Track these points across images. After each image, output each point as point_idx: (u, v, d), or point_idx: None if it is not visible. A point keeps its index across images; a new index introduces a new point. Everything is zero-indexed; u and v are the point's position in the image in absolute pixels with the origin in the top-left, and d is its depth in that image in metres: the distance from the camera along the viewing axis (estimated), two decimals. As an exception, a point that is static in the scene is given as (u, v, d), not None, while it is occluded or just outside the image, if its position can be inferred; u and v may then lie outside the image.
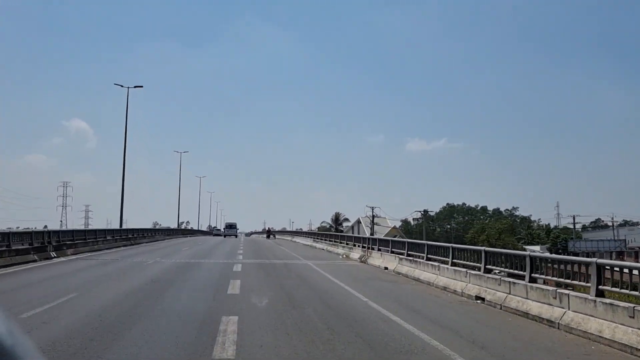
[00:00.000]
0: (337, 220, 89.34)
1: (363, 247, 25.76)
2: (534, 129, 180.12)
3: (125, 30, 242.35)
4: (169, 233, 58.17)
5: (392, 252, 20.73)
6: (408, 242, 19.41)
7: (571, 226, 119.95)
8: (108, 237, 31.26)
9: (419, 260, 17.19)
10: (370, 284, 15.61)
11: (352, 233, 75.05)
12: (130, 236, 37.45)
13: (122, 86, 42.96)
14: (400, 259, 19.21)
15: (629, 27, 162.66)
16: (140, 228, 47.10)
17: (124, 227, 41.86)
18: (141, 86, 44.21)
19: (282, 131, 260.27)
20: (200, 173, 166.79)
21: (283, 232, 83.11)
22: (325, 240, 37.62)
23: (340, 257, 28.19)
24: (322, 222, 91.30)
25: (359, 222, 73.13)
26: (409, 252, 18.64)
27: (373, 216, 60.71)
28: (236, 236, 69.61)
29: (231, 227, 75.26)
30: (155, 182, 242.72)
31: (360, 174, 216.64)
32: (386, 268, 20.22)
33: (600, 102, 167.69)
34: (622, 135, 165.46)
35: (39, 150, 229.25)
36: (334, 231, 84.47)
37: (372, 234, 58.13)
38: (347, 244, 30.23)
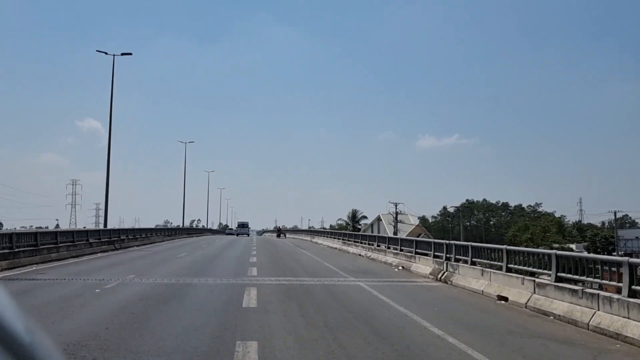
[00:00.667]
0: (354, 217, 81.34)
1: (436, 257, 17.74)
2: (546, 125, 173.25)
3: (137, 28, 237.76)
4: (171, 233, 50.32)
5: (510, 270, 12.73)
6: (556, 255, 11.14)
7: (596, 223, 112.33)
8: (80, 241, 23.38)
9: (584, 290, 9.28)
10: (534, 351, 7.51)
11: (372, 232, 67.06)
12: (115, 238, 29.62)
13: (106, 53, 36.40)
14: (538, 284, 11.21)
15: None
16: (131, 228, 39.44)
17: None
18: (130, 53, 37.58)
19: (292, 128, 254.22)
20: (210, 170, 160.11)
21: (296, 230, 75.86)
22: (360, 243, 29.65)
23: (396, 269, 20.30)
24: (337, 220, 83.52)
25: (379, 219, 65.11)
26: (560, 275, 10.64)
27: (397, 213, 52.67)
28: (248, 235, 70.58)
29: (243, 226, 77.93)
30: (166, 180, 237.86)
31: (371, 171, 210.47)
32: (503, 299, 12.14)
33: (614, 95, 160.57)
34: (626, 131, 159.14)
35: (52, 149, 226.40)
36: (351, 229, 76.53)
37: (395, 232, 50.03)
38: (400, 250, 22.27)
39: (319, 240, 44.36)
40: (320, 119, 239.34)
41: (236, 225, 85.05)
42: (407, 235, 50.46)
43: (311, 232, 59.97)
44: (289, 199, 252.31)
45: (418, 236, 55.63)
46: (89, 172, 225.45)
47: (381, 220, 63.84)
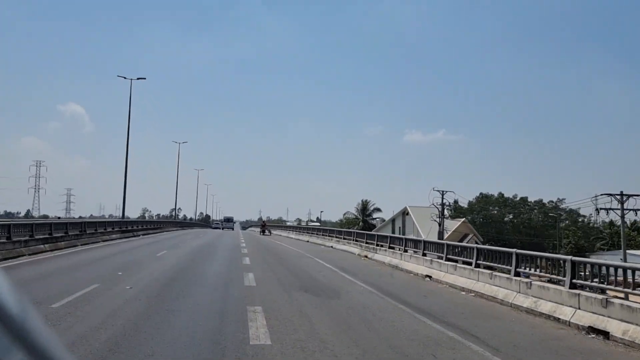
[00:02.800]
0: (364, 210, 70.02)
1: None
2: (534, 121, 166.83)
3: (124, 14, 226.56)
4: (139, 227, 38.82)
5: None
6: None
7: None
8: None
9: None
10: None
11: (393, 230, 55.77)
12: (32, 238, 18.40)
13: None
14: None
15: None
16: (74, 221, 28.22)
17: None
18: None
19: (279, 120, 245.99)
20: (196, 159, 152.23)
21: (283, 226, 66.10)
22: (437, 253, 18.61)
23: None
24: (345, 214, 72.13)
25: (404, 213, 53.58)
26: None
27: (443, 206, 40.46)
28: (233, 229, 73.89)
29: (228, 220, 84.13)
30: (149, 169, 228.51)
31: (359, 165, 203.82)
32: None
33: (601, 97, 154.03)
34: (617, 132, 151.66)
35: (33, 133, 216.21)
36: (361, 226, 65.26)
37: (441, 232, 38.73)
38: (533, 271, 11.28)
39: (324, 241, 34.95)
40: (307, 113, 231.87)
41: (222, 220, 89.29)
42: (449, 236, 39.28)
43: (302, 228, 50.47)
44: (274, 191, 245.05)
45: (464, 237, 44.58)
46: (70, 156, 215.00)
47: (409, 214, 52.51)
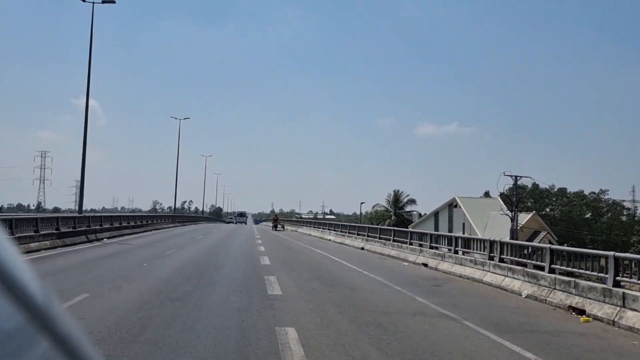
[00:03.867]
0: (396, 202, 61.83)
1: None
2: (543, 113, 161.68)
3: (138, 6, 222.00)
4: (147, 221, 31.65)
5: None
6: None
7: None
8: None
9: None
10: None
11: (436, 226, 47.67)
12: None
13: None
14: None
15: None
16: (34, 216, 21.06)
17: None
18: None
19: (292, 111, 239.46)
20: (208, 152, 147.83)
21: (297, 220, 58.79)
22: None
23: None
24: (374, 206, 63.80)
25: (452, 205, 45.07)
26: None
27: (517, 195, 31.41)
28: (246, 223, 78.15)
29: (241, 215, 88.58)
30: (160, 160, 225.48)
31: (372, 157, 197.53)
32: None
33: (617, 88, 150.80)
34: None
35: (49, 127, 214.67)
36: (394, 220, 57.25)
37: (515, 230, 30.30)
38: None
39: (343, 238, 28.64)
40: (320, 103, 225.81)
41: (236, 214, 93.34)
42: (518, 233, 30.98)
43: (320, 224, 42.16)
44: (286, 183, 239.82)
45: (534, 235, 36.47)
46: (88, 150, 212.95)
47: (457, 205, 44.32)
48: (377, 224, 60.95)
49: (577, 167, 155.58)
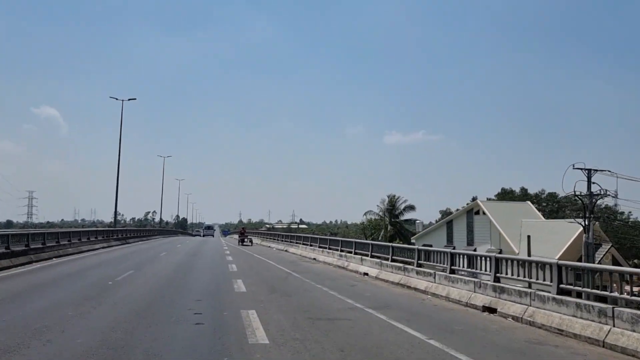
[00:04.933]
0: (392, 208, 53.60)
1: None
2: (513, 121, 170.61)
3: (104, 12, 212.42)
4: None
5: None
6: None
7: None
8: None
9: None
10: None
11: (449, 239, 39.82)
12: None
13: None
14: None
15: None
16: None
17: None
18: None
19: (259, 121, 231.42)
20: (173, 161, 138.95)
21: (266, 233, 50.55)
22: None
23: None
24: (366, 213, 54.72)
25: (472, 211, 36.81)
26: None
27: (593, 198, 23.04)
28: (213, 236, 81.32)
29: (209, 228, 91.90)
30: (124, 170, 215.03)
31: (340, 165, 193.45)
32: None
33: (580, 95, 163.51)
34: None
35: (8, 137, 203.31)
36: (391, 232, 49.12)
37: (591, 244, 22.13)
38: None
39: (327, 256, 23.93)
40: (288, 111, 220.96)
41: (203, 227, 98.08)
42: (567, 248, 23.20)
43: (296, 237, 34.44)
44: (255, 192, 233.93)
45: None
46: (44, 160, 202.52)
47: (479, 212, 36.12)
48: (371, 235, 52.93)
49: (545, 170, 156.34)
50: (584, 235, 22.55)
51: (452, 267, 13.19)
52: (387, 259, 17.49)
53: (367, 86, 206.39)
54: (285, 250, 33.00)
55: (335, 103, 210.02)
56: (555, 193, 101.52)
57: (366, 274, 17.97)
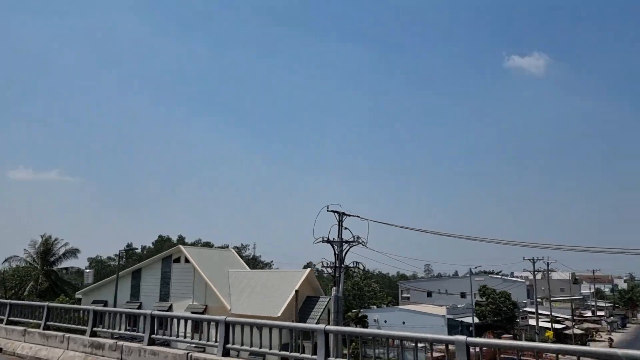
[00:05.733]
0: (47, 253, 40.41)
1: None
2: None
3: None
4: None
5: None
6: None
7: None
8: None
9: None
10: None
11: (135, 294, 32.74)
12: None
13: None
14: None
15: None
16: None
17: None
18: None
19: None
20: None
21: None
22: None
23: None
24: (7, 259, 38.24)
25: (171, 258, 28.22)
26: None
27: (341, 243, 18.47)
28: None
29: None
30: None
31: None
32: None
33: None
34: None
35: None
36: (47, 283, 37.29)
37: (339, 299, 18.89)
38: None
39: None
40: None
41: None
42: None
43: None
44: None
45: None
46: None
47: (181, 259, 28.62)
48: (18, 291, 38.46)
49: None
50: (333, 288, 19.91)
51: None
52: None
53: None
54: None
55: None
56: (210, 242, 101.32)
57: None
